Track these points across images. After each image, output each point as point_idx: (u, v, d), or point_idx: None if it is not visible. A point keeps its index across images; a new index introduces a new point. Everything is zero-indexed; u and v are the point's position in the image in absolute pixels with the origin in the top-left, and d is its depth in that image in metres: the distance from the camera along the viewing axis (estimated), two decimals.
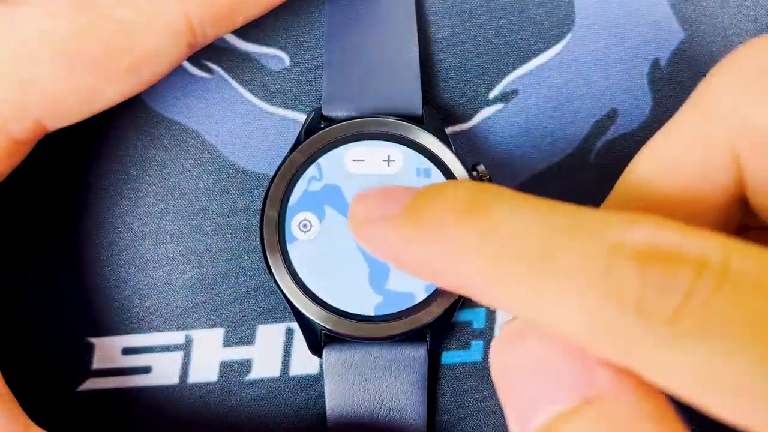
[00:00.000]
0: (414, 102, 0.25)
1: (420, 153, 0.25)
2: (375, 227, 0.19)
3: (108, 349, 0.26)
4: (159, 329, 0.26)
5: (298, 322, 0.25)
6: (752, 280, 0.15)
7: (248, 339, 0.26)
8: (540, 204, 0.17)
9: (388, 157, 0.25)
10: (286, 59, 0.27)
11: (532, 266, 0.16)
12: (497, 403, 0.26)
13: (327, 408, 0.25)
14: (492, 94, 0.27)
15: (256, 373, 0.26)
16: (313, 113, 0.25)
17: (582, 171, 0.27)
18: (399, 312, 0.24)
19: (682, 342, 0.15)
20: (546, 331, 0.17)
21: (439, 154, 0.25)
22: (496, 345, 0.18)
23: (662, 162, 0.19)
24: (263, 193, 0.25)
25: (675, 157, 0.19)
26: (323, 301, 0.24)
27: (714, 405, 0.15)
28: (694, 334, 0.15)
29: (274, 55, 0.27)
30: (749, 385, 0.14)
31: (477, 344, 0.27)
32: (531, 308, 0.16)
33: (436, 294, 0.24)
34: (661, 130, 0.20)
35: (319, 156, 0.25)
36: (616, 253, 0.15)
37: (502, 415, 0.26)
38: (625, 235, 0.16)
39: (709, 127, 0.19)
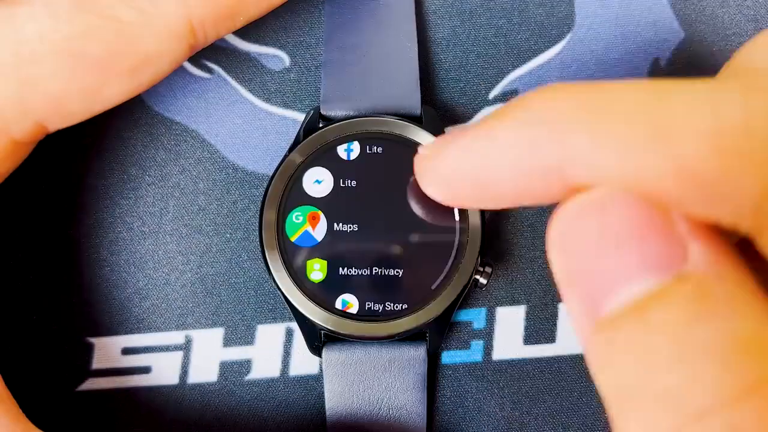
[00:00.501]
0: (413, 101, 0.25)
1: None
2: (450, 146, 0.17)
3: (108, 349, 0.26)
4: (159, 329, 0.26)
5: (297, 322, 0.25)
6: None
7: (248, 339, 0.26)
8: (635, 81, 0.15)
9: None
10: (285, 59, 0.27)
11: (645, 108, 0.14)
12: (497, 403, 0.26)
13: (327, 408, 0.25)
14: (492, 94, 0.27)
15: (256, 373, 0.26)
16: (312, 112, 0.25)
17: None
18: (399, 312, 0.24)
19: None
20: (628, 196, 0.15)
21: None
22: (565, 215, 0.16)
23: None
24: (263, 193, 0.25)
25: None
26: (323, 300, 0.24)
27: None
28: None
29: (273, 55, 0.27)
30: None
31: (477, 344, 0.27)
32: (640, 157, 0.14)
33: (437, 293, 0.24)
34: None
35: (319, 156, 0.25)
36: (752, 85, 0.14)
37: (502, 416, 0.26)
38: (755, 78, 0.14)
39: None
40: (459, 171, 0.17)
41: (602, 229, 0.15)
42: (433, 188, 0.18)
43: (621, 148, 0.14)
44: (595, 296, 0.15)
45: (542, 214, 0.27)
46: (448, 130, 0.27)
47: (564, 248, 0.16)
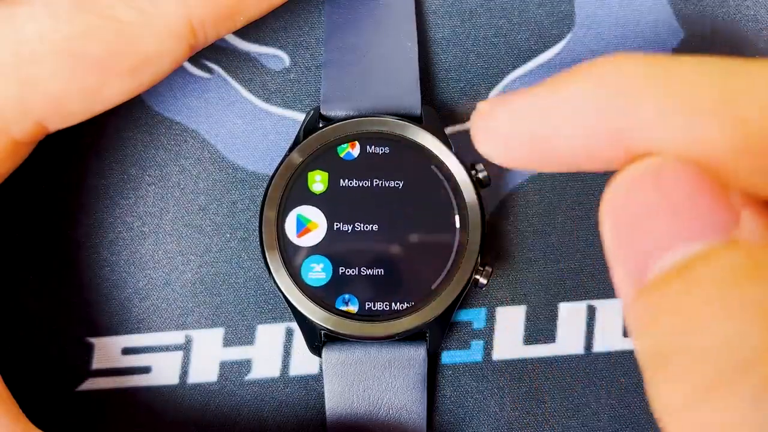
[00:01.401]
0: (413, 101, 0.25)
1: (419, 153, 0.25)
2: (513, 102, 0.16)
3: (108, 349, 0.26)
4: (159, 329, 0.26)
5: (297, 322, 0.25)
6: None
7: (248, 339, 0.26)
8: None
9: None
10: (285, 59, 0.27)
11: (714, 80, 0.15)
12: (497, 403, 0.26)
13: (327, 408, 0.25)
14: (492, 94, 0.27)
15: (256, 373, 0.26)
16: (312, 112, 0.25)
17: None
18: (399, 311, 0.24)
19: None
20: (685, 165, 0.15)
21: (438, 154, 0.25)
22: (621, 182, 0.15)
23: None
24: (263, 193, 0.25)
25: None
26: (323, 300, 0.24)
27: None
28: None
29: (273, 55, 0.27)
30: None
31: (477, 344, 0.27)
32: (708, 127, 0.14)
33: (437, 293, 0.24)
34: None
35: (319, 155, 0.25)
36: None
37: (502, 416, 0.26)
38: None
39: None
40: (519, 129, 0.17)
41: (656, 196, 0.15)
42: (489, 146, 0.17)
43: (687, 117, 0.14)
44: (641, 261, 0.15)
45: (542, 214, 0.27)
46: (448, 130, 0.27)
47: (616, 214, 0.15)
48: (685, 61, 0.15)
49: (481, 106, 0.18)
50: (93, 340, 0.26)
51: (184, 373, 0.26)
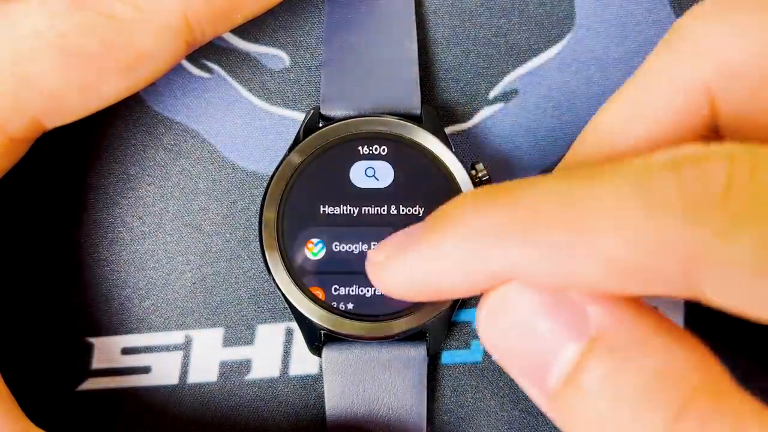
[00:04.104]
0: (412, 101, 0.25)
1: (419, 152, 0.25)
2: (400, 257, 0.19)
3: (107, 349, 0.26)
4: (158, 329, 0.26)
5: (297, 322, 0.25)
6: None
7: (248, 339, 0.26)
8: (548, 176, 0.17)
9: None
10: (285, 59, 0.27)
11: (565, 215, 0.16)
12: (497, 403, 0.26)
13: (326, 408, 0.25)
14: (492, 94, 0.27)
15: (256, 373, 0.26)
16: (312, 112, 0.25)
17: None
18: (399, 312, 0.24)
19: (740, 228, 0.14)
20: (534, 289, 0.17)
21: (437, 154, 0.25)
22: (485, 319, 0.18)
23: (631, 110, 0.20)
24: (262, 193, 0.25)
25: (645, 103, 0.19)
26: (323, 300, 0.24)
27: None
28: (747, 217, 0.14)
29: (273, 55, 0.27)
30: None
31: (477, 344, 0.27)
32: (568, 261, 0.16)
33: None
34: (630, 79, 0.20)
35: (319, 155, 0.25)
36: (645, 173, 0.15)
37: (502, 415, 0.26)
38: (648, 158, 0.16)
39: (682, 69, 0.19)
40: (411, 278, 0.19)
41: (512, 320, 0.18)
42: (384, 289, 0.20)
43: (552, 255, 0.16)
44: (536, 375, 0.17)
45: None
46: (448, 130, 0.27)
47: (494, 344, 0.18)
48: (537, 196, 0.17)
49: (374, 258, 0.20)
50: (93, 340, 0.26)
51: (184, 373, 0.26)
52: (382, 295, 0.24)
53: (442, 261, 0.18)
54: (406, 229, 0.19)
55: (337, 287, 0.24)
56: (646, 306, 0.17)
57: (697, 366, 0.16)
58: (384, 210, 0.25)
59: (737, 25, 0.18)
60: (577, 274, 0.16)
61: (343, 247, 0.25)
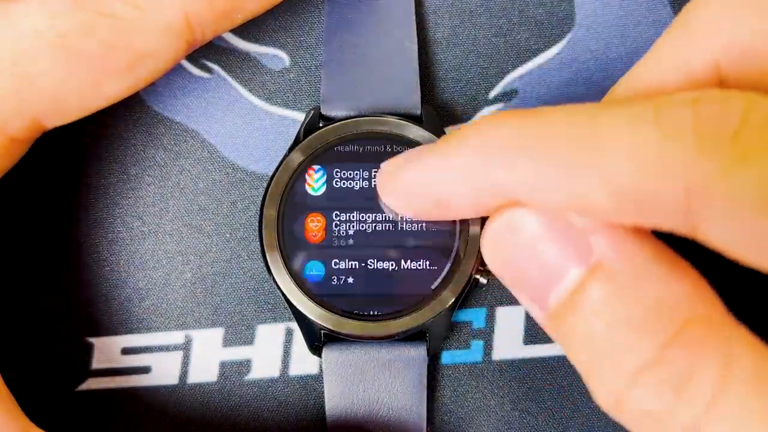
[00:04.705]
0: (413, 101, 0.25)
1: None
2: (410, 165, 0.19)
3: (107, 349, 0.26)
4: (158, 329, 0.26)
5: (297, 322, 0.25)
6: None
7: (248, 339, 0.26)
8: (567, 105, 0.17)
9: None
10: (285, 59, 0.27)
11: (578, 135, 0.16)
12: (497, 403, 0.26)
13: (326, 408, 0.25)
14: (492, 94, 0.27)
15: (256, 373, 0.26)
16: (312, 112, 0.26)
17: None
18: (399, 311, 0.24)
19: (748, 164, 0.15)
20: (542, 211, 0.18)
21: None
22: (493, 236, 0.19)
23: (640, 89, 0.20)
24: (263, 193, 0.25)
25: (655, 82, 0.20)
26: (323, 300, 0.24)
27: None
28: (755, 155, 0.15)
29: (273, 55, 0.27)
30: None
31: (477, 344, 0.27)
32: (574, 181, 0.16)
33: (437, 293, 0.24)
34: (640, 60, 0.20)
35: (319, 155, 0.25)
36: (665, 104, 0.16)
37: (502, 415, 0.26)
38: (669, 95, 0.16)
39: (692, 49, 0.19)
40: (416, 190, 0.20)
41: (518, 241, 0.18)
42: (391, 199, 0.21)
43: (559, 175, 0.17)
44: (537, 295, 0.18)
45: None
46: (448, 130, 0.27)
47: (500, 262, 0.19)
48: (554, 117, 0.17)
49: (386, 168, 0.21)
50: (93, 340, 0.26)
51: (183, 373, 0.26)
52: (381, 270, 0.24)
53: (450, 172, 0.18)
54: (419, 147, 0.20)
55: (337, 261, 0.24)
56: (647, 235, 0.18)
57: (691, 296, 0.17)
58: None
59: (746, 5, 0.18)
60: (581, 196, 0.17)
61: (344, 227, 0.25)
